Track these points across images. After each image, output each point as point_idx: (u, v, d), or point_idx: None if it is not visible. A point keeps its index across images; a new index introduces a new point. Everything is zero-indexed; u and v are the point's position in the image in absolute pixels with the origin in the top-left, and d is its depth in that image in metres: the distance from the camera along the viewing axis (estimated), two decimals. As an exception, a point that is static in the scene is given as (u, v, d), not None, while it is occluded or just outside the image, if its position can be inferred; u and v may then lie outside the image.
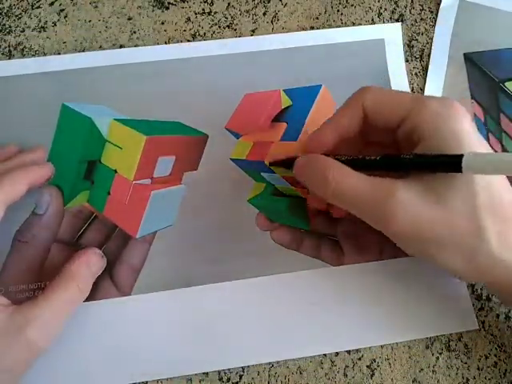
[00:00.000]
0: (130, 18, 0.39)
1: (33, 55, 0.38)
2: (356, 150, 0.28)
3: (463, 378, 0.31)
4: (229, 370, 0.32)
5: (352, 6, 0.40)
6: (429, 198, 0.23)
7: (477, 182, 0.23)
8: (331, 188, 0.25)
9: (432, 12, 0.40)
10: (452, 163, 0.22)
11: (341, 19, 0.40)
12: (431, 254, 0.24)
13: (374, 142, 0.29)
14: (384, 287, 0.33)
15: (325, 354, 0.32)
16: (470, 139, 0.23)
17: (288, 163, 0.28)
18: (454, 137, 0.23)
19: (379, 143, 0.28)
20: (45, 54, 0.38)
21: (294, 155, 0.28)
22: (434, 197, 0.23)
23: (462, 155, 0.21)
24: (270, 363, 0.32)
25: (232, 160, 0.34)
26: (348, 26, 0.39)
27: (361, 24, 0.39)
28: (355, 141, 0.28)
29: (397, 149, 0.27)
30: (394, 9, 0.40)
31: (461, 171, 0.21)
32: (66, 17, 0.39)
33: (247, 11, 0.40)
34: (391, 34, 0.39)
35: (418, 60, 0.39)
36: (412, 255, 0.26)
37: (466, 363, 0.32)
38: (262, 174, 0.33)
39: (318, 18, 0.40)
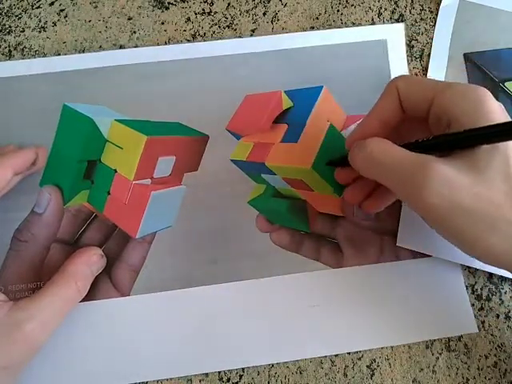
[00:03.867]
0: (130, 18, 0.39)
1: (33, 55, 0.38)
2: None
3: (463, 378, 0.31)
4: (229, 370, 0.32)
5: (352, 5, 0.40)
6: (467, 172, 0.23)
7: None
8: (368, 154, 0.25)
9: (432, 12, 0.40)
10: (505, 131, 0.21)
11: (341, 19, 0.40)
12: (467, 231, 0.23)
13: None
14: (383, 290, 0.33)
15: (325, 355, 0.32)
16: (500, 116, 0.23)
17: (343, 161, 0.28)
18: (483, 117, 0.23)
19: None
20: (45, 54, 0.38)
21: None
22: (472, 172, 0.23)
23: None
24: (269, 363, 0.32)
25: (232, 161, 0.34)
26: (348, 26, 0.39)
27: (361, 24, 0.39)
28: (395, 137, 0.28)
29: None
30: (394, 9, 0.40)
31: None
32: (66, 17, 0.39)
33: (247, 11, 0.40)
34: (394, 35, 0.39)
35: (418, 60, 0.39)
36: (439, 232, 0.25)
37: (465, 363, 0.32)
38: (262, 175, 0.33)
39: (317, 18, 0.40)
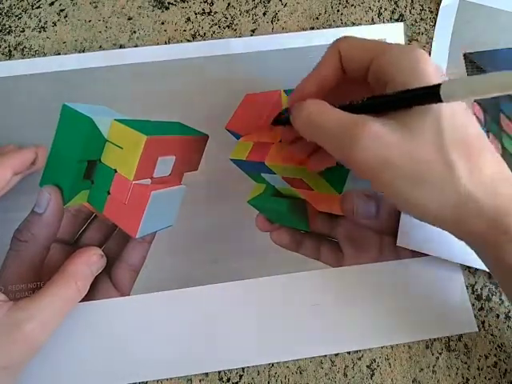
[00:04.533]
0: (130, 18, 0.39)
1: (33, 55, 0.38)
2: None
3: (463, 378, 0.31)
4: (229, 370, 0.32)
5: (352, 5, 0.40)
6: (399, 131, 0.23)
7: (444, 117, 0.23)
8: (304, 115, 0.26)
9: (432, 12, 0.40)
10: (430, 94, 0.22)
11: (341, 19, 0.40)
12: (392, 182, 0.23)
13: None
14: (383, 289, 0.33)
15: (325, 354, 0.32)
16: (436, 78, 0.23)
17: (287, 120, 0.29)
18: (418, 79, 0.23)
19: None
20: (45, 54, 0.38)
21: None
22: (404, 130, 0.23)
23: (439, 84, 0.21)
24: (270, 363, 0.32)
25: (232, 160, 0.34)
26: (348, 26, 0.39)
27: (361, 24, 0.39)
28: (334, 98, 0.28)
29: None
30: (394, 9, 0.40)
31: (440, 101, 0.21)
32: (66, 17, 0.39)
33: (247, 11, 0.40)
34: (393, 34, 0.39)
35: (418, 60, 0.39)
36: (373, 187, 0.25)
37: (465, 363, 0.32)
38: (262, 174, 0.33)
39: (317, 18, 0.40)
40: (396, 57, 0.24)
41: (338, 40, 0.27)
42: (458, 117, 0.24)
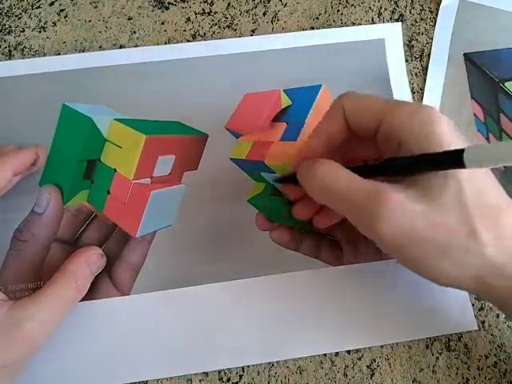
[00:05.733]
0: (130, 18, 0.39)
1: (33, 55, 0.38)
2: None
3: (463, 378, 0.31)
4: (229, 370, 0.32)
5: (352, 5, 0.40)
6: (422, 200, 0.22)
7: (464, 183, 0.22)
8: (318, 180, 0.25)
9: (432, 12, 0.40)
10: (453, 159, 0.21)
11: (341, 19, 0.40)
12: (422, 258, 0.23)
13: (360, 159, 0.28)
14: (383, 287, 0.33)
15: (325, 354, 0.32)
16: (452, 138, 0.23)
17: (293, 178, 0.28)
18: (433, 140, 0.22)
19: (364, 158, 0.28)
20: (45, 54, 0.38)
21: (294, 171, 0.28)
22: (427, 199, 0.22)
23: (463, 150, 0.20)
24: (269, 363, 0.32)
25: (232, 160, 0.34)
26: (348, 25, 0.39)
27: (361, 24, 0.39)
28: (342, 153, 0.27)
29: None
30: (394, 9, 0.40)
31: (463, 166, 0.20)
32: (66, 17, 0.39)
33: (247, 11, 0.40)
34: (391, 34, 0.39)
35: (418, 60, 0.39)
36: (401, 262, 0.24)
37: (465, 363, 0.32)
38: (261, 173, 0.33)
39: (317, 18, 0.40)
40: (407, 118, 0.23)
41: (340, 97, 0.26)
42: (478, 180, 0.23)
